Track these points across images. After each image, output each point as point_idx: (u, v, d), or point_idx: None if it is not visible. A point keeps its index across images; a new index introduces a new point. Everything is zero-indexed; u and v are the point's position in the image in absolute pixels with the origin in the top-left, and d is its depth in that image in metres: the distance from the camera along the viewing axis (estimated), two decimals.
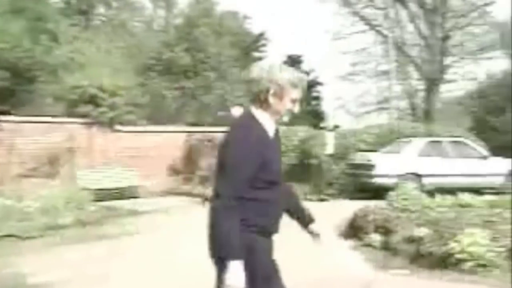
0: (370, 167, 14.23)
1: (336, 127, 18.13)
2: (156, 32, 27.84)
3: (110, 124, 15.01)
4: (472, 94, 34.15)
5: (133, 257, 7.54)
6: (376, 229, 7.85)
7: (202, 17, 22.85)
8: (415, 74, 35.73)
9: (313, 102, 36.36)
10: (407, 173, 13.85)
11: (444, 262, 6.11)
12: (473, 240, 5.88)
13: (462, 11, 33.47)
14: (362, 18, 35.11)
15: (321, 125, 20.98)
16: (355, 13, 35.14)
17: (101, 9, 29.25)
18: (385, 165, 14.17)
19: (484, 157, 15.10)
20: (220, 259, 2.63)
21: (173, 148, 15.84)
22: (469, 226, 6.56)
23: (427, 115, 31.75)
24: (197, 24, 22.37)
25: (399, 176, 13.49)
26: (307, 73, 36.05)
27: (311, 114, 31.79)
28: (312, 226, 3.13)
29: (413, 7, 34.08)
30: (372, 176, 14.07)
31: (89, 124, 14.78)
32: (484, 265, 5.70)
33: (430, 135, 16.12)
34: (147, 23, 30.72)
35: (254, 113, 2.77)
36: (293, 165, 15.91)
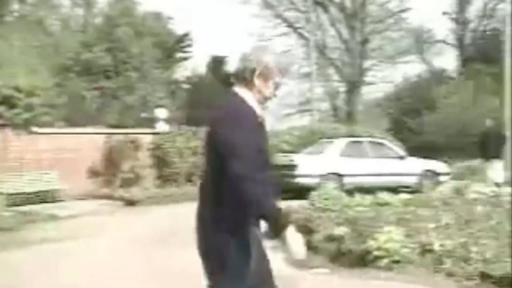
0: (292, 167, 14.40)
1: None
2: (74, 32, 26.98)
3: (25, 126, 14.38)
4: (390, 96, 35.44)
5: (55, 263, 7.24)
6: (298, 229, 7.91)
7: (123, 17, 22.39)
8: (336, 77, 36.63)
9: None
10: (329, 173, 14.13)
11: (363, 260, 6.24)
12: (389, 237, 6.04)
13: (380, 16, 34.70)
14: (285, 21, 35.63)
15: None
16: (278, 16, 35.60)
17: (15, 5, 27.97)
18: (308, 166, 14.39)
19: (401, 157, 15.65)
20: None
21: (93, 150, 15.39)
22: (386, 224, 6.75)
23: (349, 117, 32.60)
24: (118, 23, 21.89)
25: (321, 176, 13.75)
26: (231, 74, 36.05)
27: None
28: None
29: (334, 11, 34.96)
30: (295, 177, 14.24)
31: (3, 126, 14.10)
32: (398, 261, 5.87)
33: (351, 136, 16.53)
34: (65, 21, 29.71)
35: (239, 92, 2.77)
36: None
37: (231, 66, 37.24)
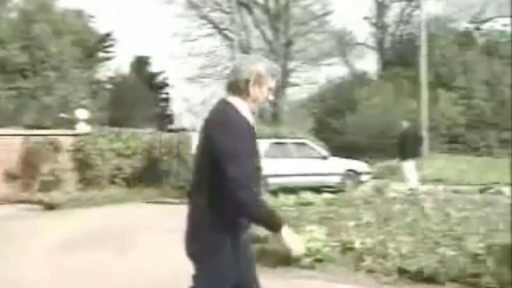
0: None
1: (183, 130, 18.09)
2: None
3: None
4: (314, 98, 36.17)
5: None
6: None
7: (41, 13, 21.56)
8: None
9: (162, 104, 36.01)
10: None
11: (286, 260, 6.31)
12: (311, 236, 6.14)
13: (303, 19, 35.32)
14: (209, 22, 35.56)
15: (169, 127, 20.84)
16: (203, 16, 35.49)
17: None
18: None
19: (324, 157, 15.97)
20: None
21: (9, 152, 14.73)
22: (309, 223, 6.87)
23: (274, 117, 32.90)
24: (35, 19, 21.05)
25: None
26: (156, 74, 35.67)
27: (159, 117, 31.45)
28: None
29: (258, 13, 35.24)
30: None
31: None
32: (321, 260, 5.98)
33: (275, 137, 16.69)
34: None
35: (233, 102, 2.84)
36: (141, 168, 15.68)
37: (155, 66, 36.87)
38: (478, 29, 34.88)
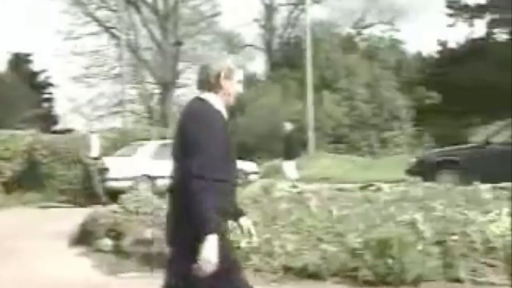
0: (104, 170, 13.98)
1: (69, 130, 17.44)
2: None
3: None
4: None
5: None
6: (107, 234, 7.70)
7: None
8: (150, 78, 36.39)
9: (45, 105, 34.38)
10: (141, 176, 13.96)
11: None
12: None
13: (192, 20, 35.22)
14: (95, 19, 34.46)
15: (53, 128, 19.99)
16: (88, 14, 34.32)
17: None
18: (120, 169, 14.06)
19: None
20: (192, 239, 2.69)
21: None
22: None
23: (163, 118, 32.55)
24: None
25: (132, 179, 13.53)
26: (38, 73, 34.01)
27: (42, 117, 30.01)
28: (242, 220, 3.31)
29: (146, 12, 34.68)
30: (106, 180, 13.83)
31: None
32: None
33: (164, 138, 16.51)
34: None
35: (207, 98, 2.98)
36: (21, 171, 14.93)
37: (38, 65, 35.11)
38: (359, 34, 36.69)
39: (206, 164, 2.74)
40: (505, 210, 6.06)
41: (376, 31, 36.58)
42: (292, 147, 14.72)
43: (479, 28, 35.92)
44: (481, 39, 34.86)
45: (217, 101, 3.01)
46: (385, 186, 10.19)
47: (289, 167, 14.54)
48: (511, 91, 28.80)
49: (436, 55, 36.15)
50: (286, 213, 7.72)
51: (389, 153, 28.03)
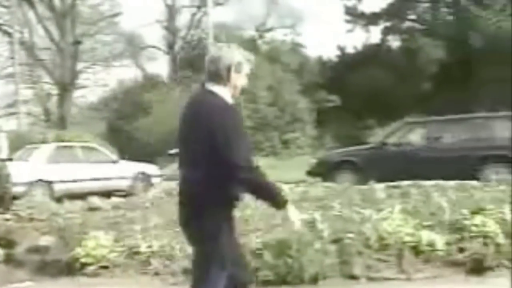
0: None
1: None
2: None
3: None
4: (106, 100, 35.26)
5: None
6: None
7: None
8: (47, 78, 34.93)
9: None
10: (36, 181, 13.35)
11: (71, 268, 6.03)
12: (97, 243, 5.95)
13: (92, 19, 34.20)
14: None
15: None
16: None
17: None
18: (13, 173, 13.34)
19: (114, 161, 15.65)
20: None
21: None
22: (96, 229, 6.63)
23: (62, 120, 31.39)
24: None
25: (27, 184, 12.91)
26: None
27: None
28: None
29: (42, 8, 33.24)
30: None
31: None
32: (107, 267, 5.82)
33: (61, 141, 15.93)
34: None
35: (216, 91, 3.03)
36: None
37: None
38: (262, 37, 37.24)
39: (247, 155, 2.91)
40: (397, 207, 6.36)
41: (278, 34, 37.36)
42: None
43: (375, 34, 37.59)
44: (376, 45, 36.50)
45: (227, 94, 3.05)
46: (286, 187, 10.38)
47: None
48: (404, 95, 30.41)
49: (336, 60, 37.42)
50: None
51: (291, 154, 28.67)
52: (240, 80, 3.11)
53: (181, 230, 3.21)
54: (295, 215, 3.02)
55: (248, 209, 7.94)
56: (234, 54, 3.11)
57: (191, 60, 33.31)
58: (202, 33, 33.62)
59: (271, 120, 30.33)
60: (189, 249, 5.80)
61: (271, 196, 2.98)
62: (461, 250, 5.39)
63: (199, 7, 35.82)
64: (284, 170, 17.79)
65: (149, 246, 6.04)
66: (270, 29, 37.72)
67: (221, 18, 34.77)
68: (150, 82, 34.47)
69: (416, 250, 5.39)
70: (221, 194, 2.95)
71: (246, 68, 3.15)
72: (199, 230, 2.99)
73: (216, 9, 30.68)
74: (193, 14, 37.14)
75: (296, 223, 3.04)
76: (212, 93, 3.04)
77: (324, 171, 13.36)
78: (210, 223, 2.95)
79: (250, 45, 34.58)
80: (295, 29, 37.17)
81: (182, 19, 37.96)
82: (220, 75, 3.05)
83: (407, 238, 5.44)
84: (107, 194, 11.98)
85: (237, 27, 35.80)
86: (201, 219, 2.96)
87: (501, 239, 5.42)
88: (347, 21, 37.03)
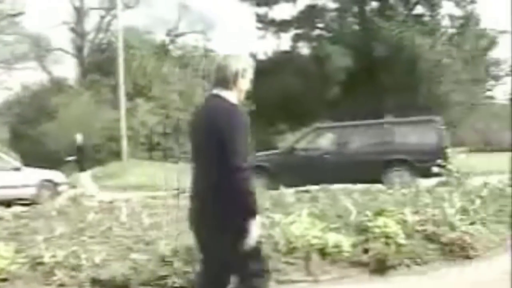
0: None
1: None
2: None
3: None
4: (9, 104, 33.69)
5: None
6: None
7: None
8: None
9: None
10: None
11: None
12: None
13: None
14: None
15: None
16: None
17: None
18: None
19: (17, 169, 14.95)
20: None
21: None
22: None
23: None
24: None
25: None
26: None
27: None
28: None
29: None
30: None
31: None
32: (6, 279, 5.52)
33: None
34: None
35: (225, 96, 3.25)
36: None
37: None
38: (173, 42, 36.98)
39: (243, 157, 3.07)
40: (305, 211, 6.49)
41: (190, 40, 37.23)
42: (85, 159, 14.46)
43: (286, 41, 38.38)
44: (287, 52, 37.25)
45: (234, 98, 3.28)
46: None
47: (85, 178, 14.21)
48: (314, 101, 31.21)
49: None
50: (95, 224, 7.45)
51: None
52: (245, 84, 3.36)
53: (194, 235, 3.39)
54: (255, 230, 3.10)
55: (157, 217, 7.87)
56: (240, 61, 3.36)
57: (100, 64, 32.49)
58: (112, 37, 32.90)
59: (183, 126, 30.11)
60: (97, 258, 5.67)
61: (250, 204, 3.09)
62: (366, 250, 5.57)
63: (108, 10, 35.02)
64: None
65: (53, 256, 5.80)
66: (181, 34, 37.52)
67: (131, 22, 34.15)
68: (57, 86, 33.27)
69: (323, 252, 5.52)
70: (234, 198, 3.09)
71: (250, 73, 3.40)
72: (214, 236, 3.19)
73: (126, 12, 30.12)
74: (102, 17, 36.30)
75: (252, 238, 3.09)
76: (220, 97, 3.27)
77: None
78: (226, 229, 3.13)
79: (162, 49, 34.28)
80: (206, 34, 37.21)
81: (91, 22, 36.98)
82: (227, 81, 3.29)
83: (314, 241, 5.55)
84: (7, 203, 11.40)
85: (148, 31, 35.32)
86: (218, 226, 3.15)
87: (402, 239, 5.66)
88: (259, 28, 37.58)
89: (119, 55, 25.16)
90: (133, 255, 5.68)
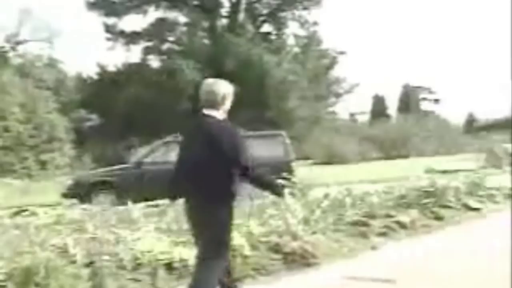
0: None
1: None
2: None
3: None
4: None
5: None
6: None
7: None
8: None
9: None
10: None
11: None
12: None
13: None
14: None
15: None
16: None
17: None
18: None
19: None
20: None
21: None
22: None
23: None
24: None
25: None
26: None
27: None
28: None
29: None
30: None
31: None
32: None
33: None
34: None
35: (215, 115, 4.14)
36: None
37: None
38: (13, 49, 34.74)
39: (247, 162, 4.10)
40: (152, 226, 6.40)
41: (33, 48, 35.21)
42: None
43: (136, 54, 37.80)
44: (137, 64, 36.70)
45: (221, 116, 4.15)
46: (41, 211, 9.77)
47: None
48: (165, 114, 31.03)
49: (96, 77, 36.57)
50: None
51: (49, 175, 27.02)
52: (228, 105, 4.22)
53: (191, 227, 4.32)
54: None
55: None
56: (226, 87, 4.24)
57: None
58: None
59: (25, 139, 28.23)
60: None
61: (273, 188, 4.38)
62: None
63: None
64: (41, 193, 16.70)
65: None
66: (23, 42, 35.35)
67: None
68: None
69: (170, 267, 5.47)
70: (225, 193, 4.03)
71: (231, 96, 4.26)
72: (211, 219, 4.03)
73: None
74: None
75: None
76: (211, 117, 4.11)
77: (80, 192, 12.85)
78: (220, 215, 4.03)
79: (0, 57, 32.02)
80: (51, 43, 35.44)
81: None
82: (217, 103, 4.15)
83: (161, 256, 5.49)
84: None
85: None
86: (213, 213, 4.01)
87: (247, 251, 5.79)
88: (108, 39, 36.62)
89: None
90: None
